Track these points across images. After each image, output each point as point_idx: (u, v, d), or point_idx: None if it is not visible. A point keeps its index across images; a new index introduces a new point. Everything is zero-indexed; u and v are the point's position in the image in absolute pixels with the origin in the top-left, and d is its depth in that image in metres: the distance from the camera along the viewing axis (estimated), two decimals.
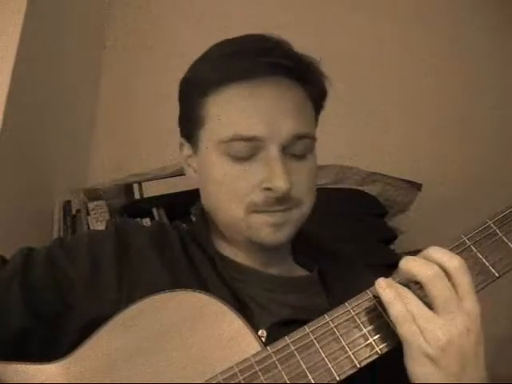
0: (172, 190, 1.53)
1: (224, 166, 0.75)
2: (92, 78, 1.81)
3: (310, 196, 0.78)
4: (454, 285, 0.58)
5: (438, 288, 0.58)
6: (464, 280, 0.58)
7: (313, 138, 0.78)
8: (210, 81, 0.76)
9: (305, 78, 0.77)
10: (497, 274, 0.62)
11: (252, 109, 0.74)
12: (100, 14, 1.82)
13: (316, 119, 0.83)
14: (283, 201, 0.74)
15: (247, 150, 0.74)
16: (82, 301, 0.71)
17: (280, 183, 0.72)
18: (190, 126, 0.80)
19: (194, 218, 0.89)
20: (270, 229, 0.75)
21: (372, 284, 0.62)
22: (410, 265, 0.60)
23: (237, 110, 0.74)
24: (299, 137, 0.75)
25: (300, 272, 0.85)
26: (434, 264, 0.59)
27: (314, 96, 0.80)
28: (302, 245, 0.86)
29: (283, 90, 0.75)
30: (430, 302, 0.59)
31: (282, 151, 0.74)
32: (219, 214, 0.79)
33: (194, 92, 0.78)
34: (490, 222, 0.64)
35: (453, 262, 0.59)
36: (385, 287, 0.60)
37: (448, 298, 0.58)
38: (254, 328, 0.65)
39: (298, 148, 0.75)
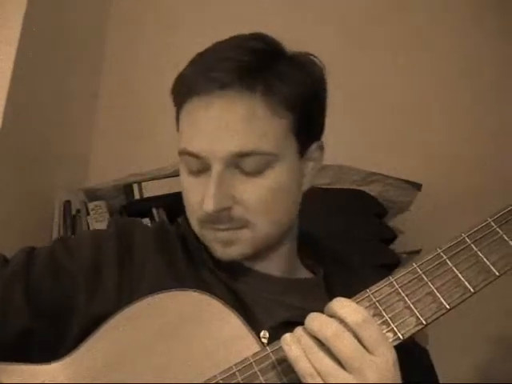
0: (172, 190, 1.52)
1: (184, 177, 0.76)
2: (92, 77, 1.81)
3: (262, 215, 0.73)
4: (359, 339, 0.57)
5: (338, 346, 0.56)
6: (368, 333, 0.56)
7: (269, 155, 0.72)
8: (180, 95, 0.76)
9: (266, 89, 0.71)
10: (497, 273, 0.60)
11: (197, 126, 0.72)
12: (100, 14, 1.83)
13: (302, 130, 0.75)
14: (219, 220, 0.72)
15: (196, 165, 0.73)
16: (83, 300, 0.71)
17: (206, 204, 0.71)
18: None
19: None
20: (218, 244, 0.75)
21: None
22: (311, 324, 0.58)
23: (187, 126, 0.74)
24: (242, 155, 0.71)
25: (305, 274, 0.85)
26: (333, 321, 0.57)
27: (290, 105, 0.73)
28: (306, 246, 0.86)
29: (229, 104, 0.71)
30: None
31: (226, 169, 0.71)
32: None
33: (175, 103, 0.79)
34: (490, 220, 0.63)
35: (353, 317, 0.57)
36: (290, 344, 0.58)
37: (352, 355, 0.55)
38: (256, 329, 0.65)
39: (247, 165, 0.72)
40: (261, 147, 0.71)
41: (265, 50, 0.75)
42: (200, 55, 0.77)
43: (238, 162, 0.71)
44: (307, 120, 0.76)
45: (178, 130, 0.78)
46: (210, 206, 0.70)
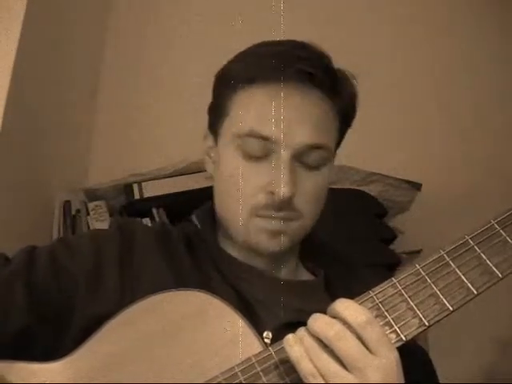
0: (172, 190, 1.52)
1: (236, 162, 0.76)
2: (92, 77, 1.81)
3: (312, 210, 0.77)
4: (362, 340, 0.57)
5: (340, 347, 0.56)
6: (371, 334, 0.57)
7: (330, 151, 0.78)
8: (239, 79, 0.77)
9: (333, 92, 0.77)
10: (500, 275, 0.61)
11: (272, 110, 0.74)
12: (100, 14, 1.83)
13: (340, 135, 0.82)
14: (283, 207, 0.74)
15: (260, 149, 0.74)
16: (84, 299, 0.71)
17: (283, 189, 0.72)
18: (215, 115, 0.81)
19: (195, 221, 0.88)
20: (266, 235, 0.75)
21: (372, 287, 0.62)
22: (313, 324, 0.59)
23: (257, 108, 0.75)
24: (314, 147, 0.75)
25: (306, 276, 0.85)
26: (336, 322, 0.58)
27: (342, 111, 0.80)
28: (308, 248, 0.86)
29: (307, 98, 0.75)
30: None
31: (293, 158, 0.74)
32: (224, 211, 0.80)
33: (225, 87, 0.79)
34: (493, 222, 0.63)
35: (356, 317, 0.57)
36: (292, 344, 0.58)
37: (355, 355, 0.56)
38: (260, 330, 0.66)
39: (311, 158, 0.75)
40: (328, 143, 0.77)
41: (326, 56, 0.79)
42: (264, 46, 0.80)
43: (304, 154, 0.75)
44: (345, 131, 0.83)
45: (222, 113, 0.79)
46: (287, 190, 0.72)
